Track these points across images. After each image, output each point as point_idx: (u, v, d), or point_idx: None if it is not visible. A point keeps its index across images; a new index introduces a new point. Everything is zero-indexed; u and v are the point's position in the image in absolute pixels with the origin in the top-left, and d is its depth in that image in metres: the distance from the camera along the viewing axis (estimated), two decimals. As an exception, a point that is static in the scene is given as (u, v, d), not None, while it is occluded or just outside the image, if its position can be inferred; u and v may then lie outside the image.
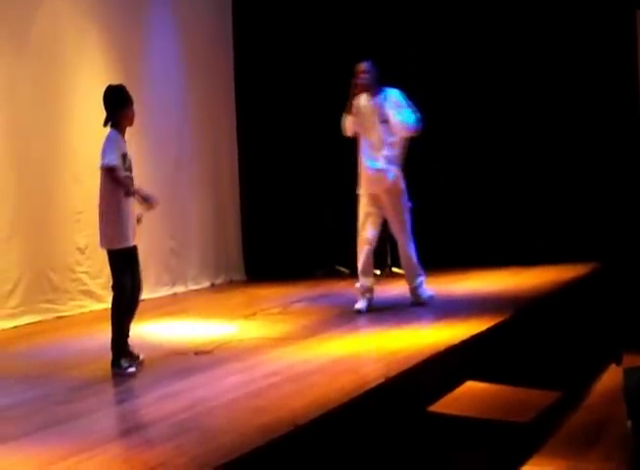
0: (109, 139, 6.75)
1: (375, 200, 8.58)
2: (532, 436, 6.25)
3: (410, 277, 8.86)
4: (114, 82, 10.23)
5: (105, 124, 6.90)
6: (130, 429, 5.00)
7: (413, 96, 8.80)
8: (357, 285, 8.72)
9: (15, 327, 8.78)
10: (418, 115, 8.61)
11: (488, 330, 7.47)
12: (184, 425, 4.99)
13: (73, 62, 9.77)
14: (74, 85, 9.78)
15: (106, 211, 6.75)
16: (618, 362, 9.39)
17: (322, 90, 11.26)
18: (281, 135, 12.33)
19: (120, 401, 5.74)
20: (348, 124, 8.56)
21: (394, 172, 8.59)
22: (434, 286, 10.01)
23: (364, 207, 8.59)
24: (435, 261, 11.82)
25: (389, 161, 8.57)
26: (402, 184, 8.64)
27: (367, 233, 8.58)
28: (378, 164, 8.54)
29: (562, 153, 12.07)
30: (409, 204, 8.69)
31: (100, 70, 10.11)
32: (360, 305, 8.57)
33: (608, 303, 10.58)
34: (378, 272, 11.06)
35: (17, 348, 7.83)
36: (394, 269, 11.17)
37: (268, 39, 12.29)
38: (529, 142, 12.21)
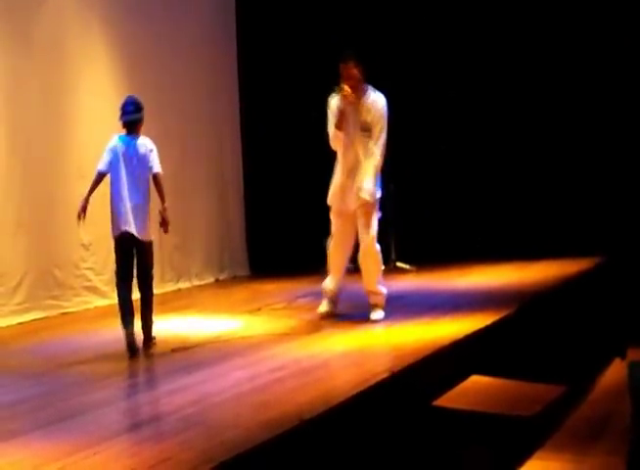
0: (154, 147, 7.22)
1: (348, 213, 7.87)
2: (537, 430, 6.25)
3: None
4: (118, 81, 10.32)
5: (137, 131, 7.21)
6: (136, 424, 5.01)
7: (414, 93, 8.75)
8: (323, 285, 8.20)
9: (20, 323, 8.80)
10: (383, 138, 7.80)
11: (493, 324, 7.47)
12: (190, 420, 5.00)
13: (78, 60, 9.77)
14: (79, 83, 9.79)
15: (147, 206, 7.22)
16: (623, 357, 9.39)
17: (326, 88, 11.26)
18: (285, 132, 12.35)
19: (126, 397, 5.75)
20: (339, 139, 7.76)
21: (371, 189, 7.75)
22: (439, 281, 10.06)
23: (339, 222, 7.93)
24: (439, 256, 11.88)
25: (367, 176, 7.73)
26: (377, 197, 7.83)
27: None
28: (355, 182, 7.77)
29: (566, 147, 12.07)
30: (379, 214, 7.90)
31: (104, 68, 10.13)
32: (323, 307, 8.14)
33: (612, 297, 10.58)
34: (382, 267, 11.08)
35: (22, 344, 7.84)
36: (399, 264, 11.18)
37: (272, 38, 12.30)
38: (533, 137, 12.20)
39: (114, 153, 7.19)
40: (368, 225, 7.77)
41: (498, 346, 7.50)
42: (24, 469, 4.28)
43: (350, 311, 8.35)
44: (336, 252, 8.01)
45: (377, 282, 7.94)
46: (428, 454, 5.80)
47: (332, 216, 7.98)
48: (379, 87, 7.91)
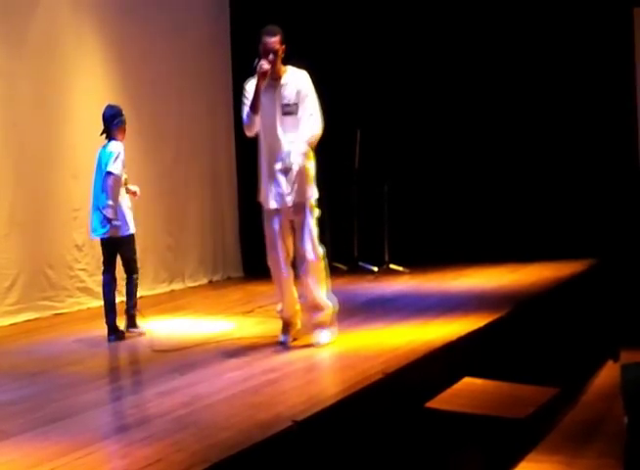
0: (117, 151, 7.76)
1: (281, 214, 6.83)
2: (530, 432, 6.26)
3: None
4: (113, 81, 10.32)
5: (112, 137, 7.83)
6: (129, 425, 5.00)
7: (415, 92, 8.63)
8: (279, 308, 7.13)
9: (12, 324, 8.78)
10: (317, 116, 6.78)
11: (486, 326, 7.48)
12: (183, 421, 4.99)
13: (72, 60, 9.76)
14: (73, 83, 9.78)
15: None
16: (616, 359, 9.42)
17: (317, 86, 11.25)
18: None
19: (119, 398, 5.74)
20: (254, 124, 6.72)
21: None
22: (433, 283, 10.05)
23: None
24: (433, 258, 11.89)
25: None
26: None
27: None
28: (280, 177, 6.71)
29: (559, 150, 12.09)
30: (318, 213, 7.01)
31: (98, 68, 10.12)
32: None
33: (605, 299, 10.60)
34: (375, 269, 11.10)
35: (15, 345, 7.83)
36: (392, 266, 11.18)
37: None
38: (527, 139, 12.23)
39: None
40: (305, 226, 6.77)
41: (491, 348, 7.51)
42: (17, 470, 4.27)
43: (343, 314, 8.37)
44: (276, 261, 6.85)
45: (321, 294, 6.87)
46: (420, 456, 5.81)
47: (265, 218, 6.88)
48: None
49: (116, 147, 7.72)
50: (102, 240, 7.83)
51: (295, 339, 6.98)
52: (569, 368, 8.27)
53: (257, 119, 6.63)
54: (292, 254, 6.83)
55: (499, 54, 12.30)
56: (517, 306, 8.29)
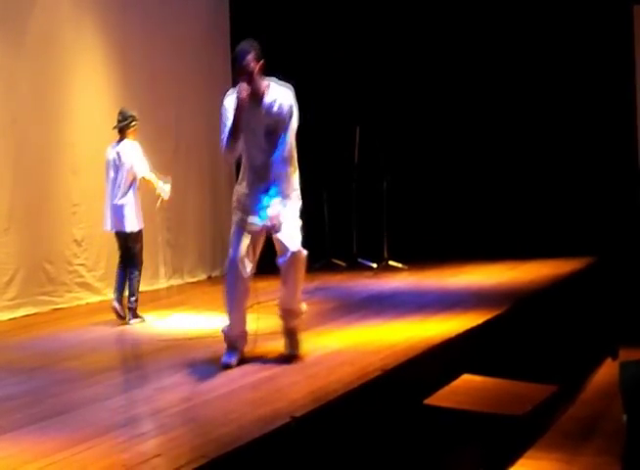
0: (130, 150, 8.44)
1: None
2: (528, 429, 6.26)
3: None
4: (112, 76, 10.30)
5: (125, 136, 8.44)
6: (128, 420, 5.00)
7: (415, 89, 8.60)
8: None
9: (11, 319, 8.80)
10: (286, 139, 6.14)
11: (485, 323, 7.47)
12: (182, 417, 5.00)
13: (71, 56, 9.76)
14: (72, 79, 9.78)
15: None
16: (614, 357, 9.42)
17: (317, 83, 11.26)
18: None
19: (118, 393, 5.73)
20: (235, 150, 6.16)
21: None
22: (432, 280, 10.04)
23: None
24: (432, 255, 11.89)
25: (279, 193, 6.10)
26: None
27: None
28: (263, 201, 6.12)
29: (558, 147, 12.09)
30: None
31: (98, 64, 10.12)
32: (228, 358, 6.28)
33: (604, 297, 10.60)
34: (374, 265, 11.10)
35: (14, 339, 7.83)
36: (391, 262, 11.18)
37: (265, 32, 12.26)
38: (526, 137, 12.23)
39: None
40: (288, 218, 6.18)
41: (490, 345, 7.51)
42: (14, 465, 4.26)
43: (341, 310, 8.37)
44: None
45: (299, 296, 6.37)
46: (419, 453, 5.81)
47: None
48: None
49: (137, 147, 8.40)
50: (116, 233, 8.43)
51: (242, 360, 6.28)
52: (567, 366, 8.27)
53: (239, 145, 6.11)
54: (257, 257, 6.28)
55: (499, 52, 12.29)
56: (515, 304, 8.29)
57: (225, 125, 6.09)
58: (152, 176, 8.39)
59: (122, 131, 8.37)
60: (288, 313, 6.36)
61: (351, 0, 12.67)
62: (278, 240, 6.17)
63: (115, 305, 8.28)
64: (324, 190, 11.51)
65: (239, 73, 6.11)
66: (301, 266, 6.21)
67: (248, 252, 6.17)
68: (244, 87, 6.04)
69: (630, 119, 11.79)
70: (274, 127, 6.09)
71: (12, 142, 9.05)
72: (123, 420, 5.00)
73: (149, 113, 10.47)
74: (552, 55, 12.08)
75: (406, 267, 11.13)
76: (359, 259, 11.38)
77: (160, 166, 10.10)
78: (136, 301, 8.32)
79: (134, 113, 8.43)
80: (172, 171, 10.97)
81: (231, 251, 6.19)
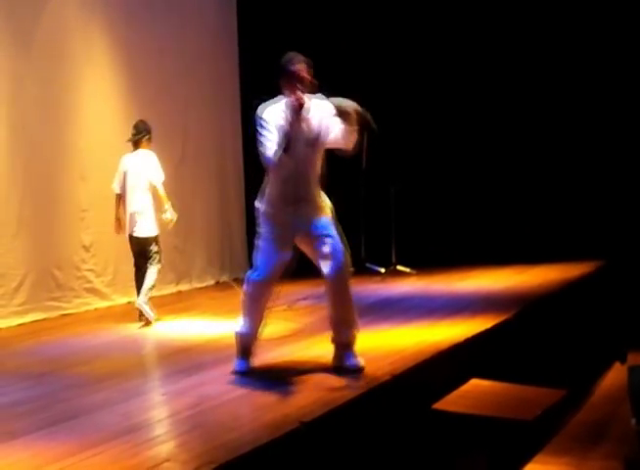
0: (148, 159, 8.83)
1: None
2: (537, 434, 6.25)
3: None
4: (121, 83, 10.33)
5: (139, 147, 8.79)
6: (137, 425, 5.00)
7: (424, 94, 8.67)
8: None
9: (20, 324, 8.82)
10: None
11: (493, 328, 7.47)
12: (190, 422, 5.00)
13: (79, 61, 9.79)
14: (81, 84, 9.80)
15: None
16: (623, 361, 9.39)
17: (325, 88, 11.27)
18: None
19: (127, 398, 5.74)
20: (282, 164, 5.88)
21: None
22: (440, 284, 10.02)
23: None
24: (440, 259, 11.88)
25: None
26: None
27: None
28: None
29: (567, 151, 12.08)
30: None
31: (106, 70, 10.14)
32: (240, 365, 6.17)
33: (612, 301, 10.58)
34: (383, 270, 11.10)
35: (22, 345, 7.85)
36: (399, 267, 11.18)
37: (273, 36, 12.29)
38: (535, 140, 12.22)
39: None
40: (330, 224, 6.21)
41: (498, 349, 7.50)
42: (24, 470, 4.28)
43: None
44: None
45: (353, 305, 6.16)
46: (427, 457, 5.80)
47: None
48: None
49: (153, 156, 8.76)
50: (135, 238, 8.74)
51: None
52: (576, 370, 8.25)
53: (286, 159, 5.82)
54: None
55: (506, 59, 12.29)
56: (524, 308, 8.28)
57: (268, 140, 5.85)
58: (163, 193, 8.73)
59: (136, 143, 8.74)
60: (340, 324, 6.11)
61: (359, 5, 12.68)
62: (320, 252, 5.98)
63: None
64: (332, 194, 11.50)
65: (298, 80, 5.92)
66: (349, 274, 6.04)
67: (277, 270, 6.07)
68: (302, 96, 5.88)
69: (638, 122, 11.77)
70: (314, 140, 5.97)
71: (21, 148, 9.07)
72: (132, 425, 5.01)
73: (157, 119, 10.48)
74: (557, 59, 12.08)
75: (414, 272, 11.13)
76: (367, 264, 11.37)
77: (168, 172, 10.16)
78: (150, 289, 8.55)
79: (148, 126, 8.75)
80: (180, 177, 11.05)
81: (261, 270, 6.12)
